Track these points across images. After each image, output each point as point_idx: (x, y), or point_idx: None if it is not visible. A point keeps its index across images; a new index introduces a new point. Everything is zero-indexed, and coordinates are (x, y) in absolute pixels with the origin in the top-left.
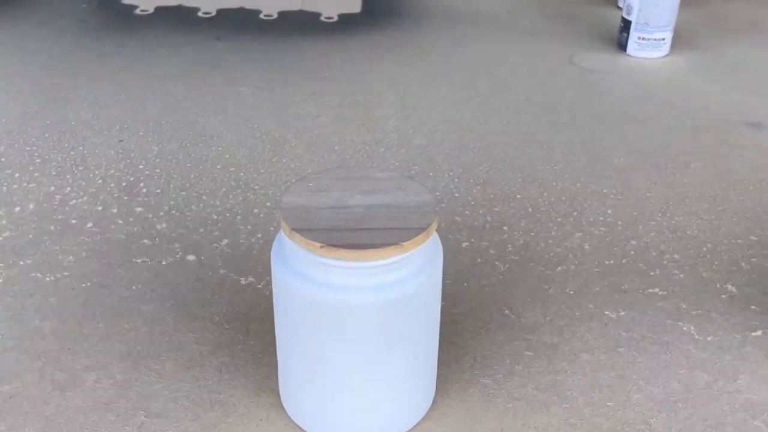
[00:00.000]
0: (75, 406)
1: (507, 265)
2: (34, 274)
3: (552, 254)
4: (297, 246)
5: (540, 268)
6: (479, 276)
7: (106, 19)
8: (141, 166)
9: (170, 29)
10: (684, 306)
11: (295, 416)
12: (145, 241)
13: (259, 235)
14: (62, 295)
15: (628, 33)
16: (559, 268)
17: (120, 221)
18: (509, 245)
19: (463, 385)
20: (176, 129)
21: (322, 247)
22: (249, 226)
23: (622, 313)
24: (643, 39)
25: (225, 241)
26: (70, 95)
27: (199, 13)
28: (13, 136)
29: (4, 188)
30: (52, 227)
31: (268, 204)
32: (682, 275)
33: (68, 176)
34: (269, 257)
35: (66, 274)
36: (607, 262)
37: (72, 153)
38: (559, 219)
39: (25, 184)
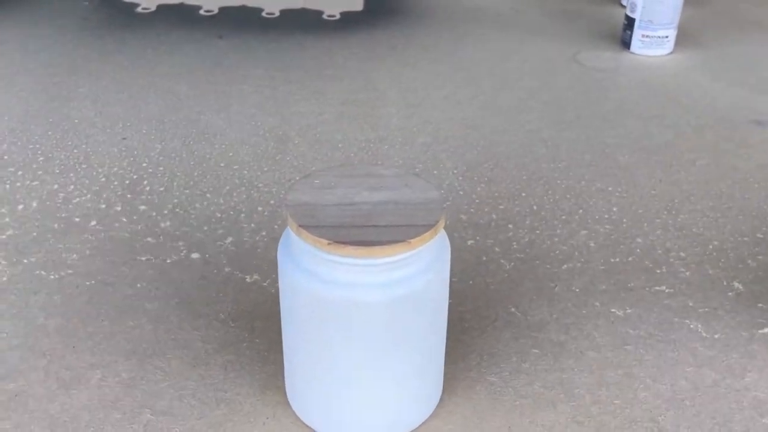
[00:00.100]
0: (80, 404)
1: (512, 263)
2: (38, 272)
3: (557, 252)
4: (304, 243)
5: (546, 266)
6: (485, 274)
7: (108, 17)
8: (144, 164)
9: (172, 27)
10: (691, 304)
11: (302, 414)
12: (149, 239)
13: (264, 233)
14: (66, 293)
15: (631, 31)
16: (565, 266)
17: (124, 219)
18: (514, 243)
19: (469, 383)
20: (179, 127)
21: (329, 244)
22: (253, 224)
23: (629, 310)
24: (647, 37)
25: (229, 239)
26: (73, 93)
27: (201, 11)
28: (16, 134)
29: (8, 186)
30: (55, 225)
31: (272, 202)
32: (688, 273)
33: (71, 174)
34: (274, 255)
35: (70, 272)
36: (612, 260)
37: (75, 151)
38: (564, 217)
39: (29, 182)
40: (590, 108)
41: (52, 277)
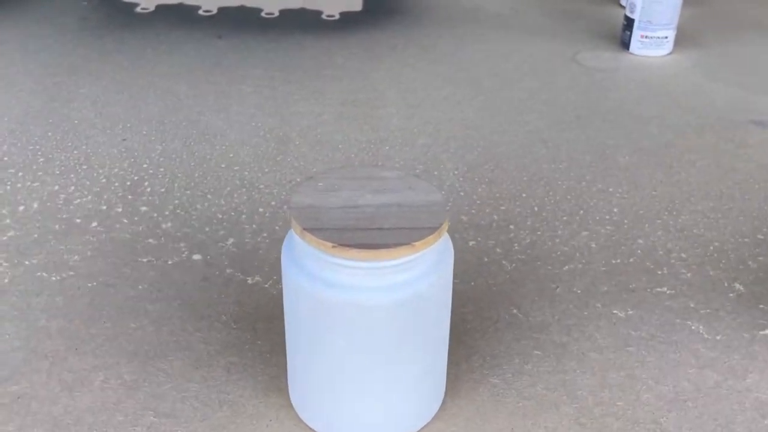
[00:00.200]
0: (83, 407)
1: (514, 264)
2: (39, 274)
3: (559, 253)
4: (308, 246)
5: (547, 267)
6: (486, 275)
7: (107, 17)
8: (145, 165)
9: (171, 27)
10: (692, 305)
11: (305, 417)
12: (151, 240)
13: (265, 234)
14: (68, 294)
15: (631, 31)
16: (567, 267)
17: (125, 220)
18: (516, 244)
19: (472, 385)
20: (179, 128)
21: (334, 247)
22: (254, 225)
23: (631, 312)
24: (647, 37)
25: (231, 241)
26: (72, 94)
27: (200, 12)
28: (16, 135)
29: (8, 187)
30: (56, 226)
31: (273, 203)
32: (689, 274)
33: (72, 175)
34: (275, 257)
35: (71, 273)
36: (614, 261)
37: (75, 152)
38: (565, 218)
39: (29, 183)
40: (590, 108)
41: (53, 278)
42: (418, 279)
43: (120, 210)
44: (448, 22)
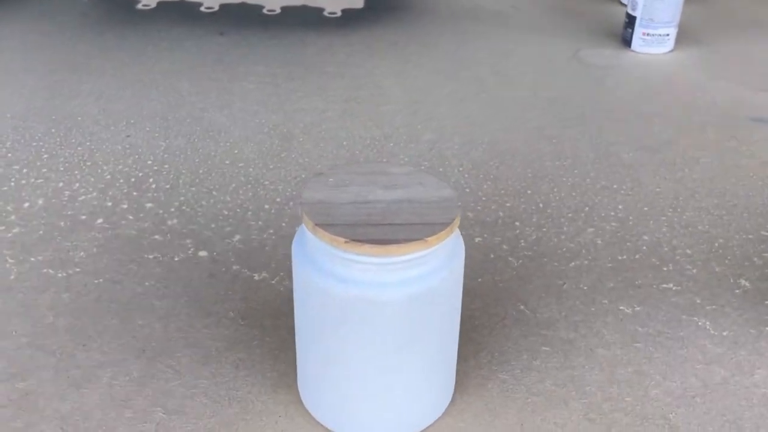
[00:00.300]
0: (92, 403)
1: (520, 261)
2: (45, 270)
3: (565, 250)
4: (320, 241)
5: (553, 263)
6: (493, 272)
7: (107, 14)
8: (149, 162)
9: (172, 24)
10: (698, 301)
11: (315, 412)
12: (157, 237)
13: (271, 231)
14: (75, 291)
15: (632, 29)
16: (573, 263)
17: (130, 217)
18: (522, 241)
19: (481, 381)
20: (182, 124)
21: (346, 242)
22: (260, 222)
23: (637, 308)
24: (648, 35)
25: (237, 237)
26: (74, 90)
27: (202, 8)
28: (19, 132)
29: (12, 184)
30: (62, 223)
31: (278, 200)
32: (695, 270)
33: (76, 172)
34: (282, 253)
35: (78, 270)
36: (619, 258)
37: (79, 148)
38: (570, 214)
39: (33, 180)
40: (592, 106)
41: (59, 275)
42: (430, 274)
43: (125, 206)
44: (449, 19)
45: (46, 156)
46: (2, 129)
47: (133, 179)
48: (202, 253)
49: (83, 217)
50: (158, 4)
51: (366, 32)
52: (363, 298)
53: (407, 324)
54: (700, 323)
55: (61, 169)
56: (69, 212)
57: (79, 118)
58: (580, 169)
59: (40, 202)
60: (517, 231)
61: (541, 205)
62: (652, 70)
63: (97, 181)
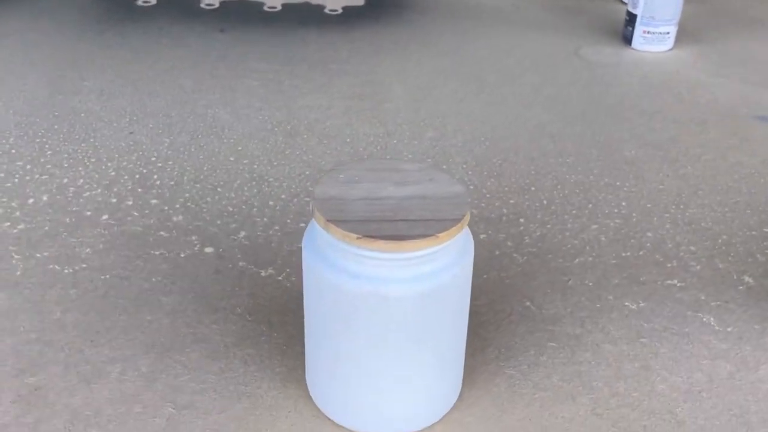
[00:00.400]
0: (102, 398)
1: (525, 257)
2: (51, 266)
3: (569, 246)
4: (332, 237)
5: (558, 260)
6: (498, 268)
7: (107, 11)
8: (153, 158)
9: (173, 21)
10: (703, 297)
11: (324, 407)
12: (162, 233)
13: (277, 227)
14: (82, 287)
15: (633, 26)
16: (577, 260)
17: (136, 213)
18: (526, 237)
19: (488, 376)
20: (186, 121)
21: (359, 238)
22: (266, 219)
23: (642, 304)
24: (649, 33)
25: (242, 233)
26: (77, 86)
27: (202, 5)
28: (22, 128)
29: (16, 180)
30: (67, 219)
31: (283, 196)
32: (699, 267)
33: (80, 168)
34: (288, 249)
35: (84, 266)
36: (624, 254)
37: (83, 145)
38: (574, 211)
39: (37, 176)
40: (594, 103)
41: (66, 271)
42: (442, 270)
43: (130, 203)
44: (450, 17)
45: (49, 152)
46: (5, 125)
47: (137, 176)
48: (208, 250)
49: (88, 213)
50: (158, 0)
51: (368, 30)
52: (376, 293)
53: (419, 320)
54: (705, 319)
55: (65, 165)
56: (74, 208)
57: (82, 115)
58: (583, 167)
59: (45, 198)
60: (522, 228)
61: (544, 202)
62: (653, 68)
63: (101, 177)
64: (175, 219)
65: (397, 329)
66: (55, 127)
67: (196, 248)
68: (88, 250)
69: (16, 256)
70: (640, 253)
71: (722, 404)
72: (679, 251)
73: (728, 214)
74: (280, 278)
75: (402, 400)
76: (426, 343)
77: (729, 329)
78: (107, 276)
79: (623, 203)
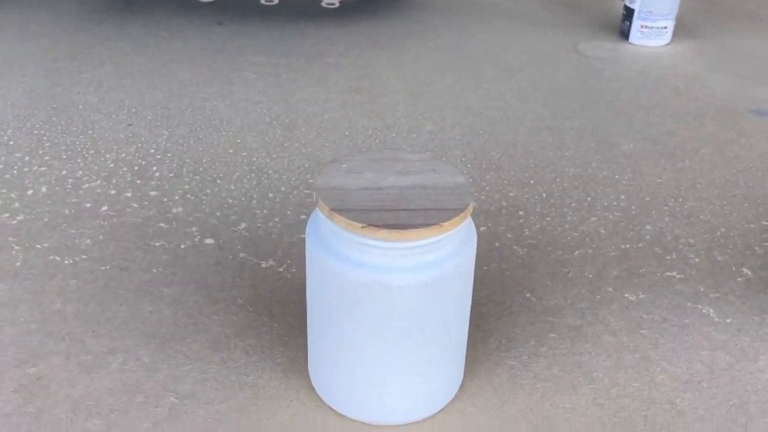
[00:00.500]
0: (103, 388)
1: (525, 249)
2: (51, 257)
3: (569, 238)
4: (336, 226)
5: (558, 252)
6: (498, 260)
7: (105, 4)
8: (152, 150)
9: (171, 14)
10: (702, 289)
11: (326, 397)
12: (162, 224)
13: (277, 219)
14: (82, 278)
15: (630, 21)
16: (577, 252)
17: (135, 205)
18: (526, 230)
19: (490, 367)
20: (184, 114)
21: (363, 227)
22: (265, 210)
23: (642, 296)
24: (646, 27)
25: (242, 225)
26: (75, 79)
27: None
28: (21, 120)
29: (15, 171)
30: (66, 211)
31: (282, 188)
32: (697, 259)
33: (79, 160)
34: (287, 241)
35: (84, 257)
36: (623, 246)
37: (81, 137)
38: (573, 204)
39: (36, 168)
40: (592, 97)
41: (66, 262)
42: (445, 259)
43: (129, 195)
44: (447, 12)
45: (48, 144)
46: (3, 117)
47: (136, 167)
48: (209, 241)
49: (88, 204)
50: None
51: (365, 24)
52: (379, 282)
53: (421, 309)
54: (704, 310)
55: (64, 157)
56: (73, 200)
57: (80, 107)
58: (582, 160)
59: (44, 189)
60: (522, 220)
61: (544, 195)
62: (650, 63)
63: (100, 169)
64: (174, 210)
65: (400, 318)
66: (54, 119)
67: (196, 239)
68: (88, 241)
69: (16, 247)
70: (640, 245)
71: (722, 394)
72: (678, 244)
73: (726, 207)
74: (280, 269)
75: (404, 390)
76: (429, 332)
77: (728, 320)
78: (107, 267)
79: (622, 196)
